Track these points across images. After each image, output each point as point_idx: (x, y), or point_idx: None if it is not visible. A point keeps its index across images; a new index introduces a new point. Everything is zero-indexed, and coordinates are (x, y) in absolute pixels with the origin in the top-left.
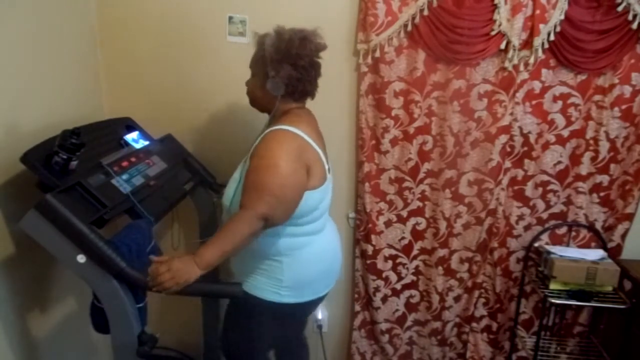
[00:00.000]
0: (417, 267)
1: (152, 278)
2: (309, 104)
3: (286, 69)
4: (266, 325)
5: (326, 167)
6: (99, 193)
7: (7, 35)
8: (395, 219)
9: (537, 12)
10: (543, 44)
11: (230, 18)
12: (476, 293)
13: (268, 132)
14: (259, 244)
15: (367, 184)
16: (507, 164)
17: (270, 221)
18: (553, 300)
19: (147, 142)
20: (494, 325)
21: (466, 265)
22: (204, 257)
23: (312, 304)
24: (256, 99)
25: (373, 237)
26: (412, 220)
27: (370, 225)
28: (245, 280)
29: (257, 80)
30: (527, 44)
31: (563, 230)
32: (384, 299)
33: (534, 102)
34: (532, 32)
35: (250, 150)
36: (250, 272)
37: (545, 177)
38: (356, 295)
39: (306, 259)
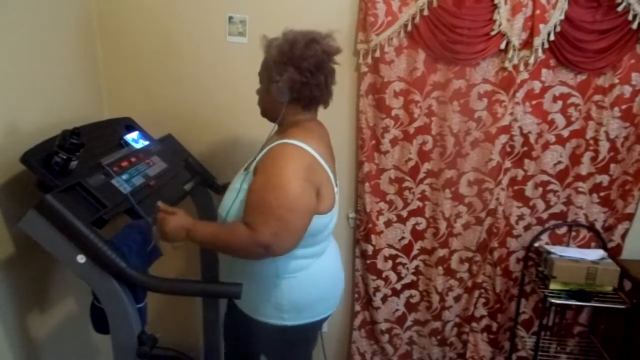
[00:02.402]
0: (417, 267)
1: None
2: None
3: (289, 72)
4: (273, 348)
5: (335, 189)
6: (98, 193)
7: (7, 35)
8: (395, 219)
9: (537, 12)
10: (543, 44)
11: (230, 18)
12: (476, 293)
13: (275, 146)
14: (257, 266)
15: (367, 184)
16: (507, 164)
17: (272, 250)
18: (553, 300)
19: (147, 142)
20: (494, 325)
21: (466, 265)
22: (195, 230)
23: (315, 325)
24: (265, 108)
25: (373, 237)
26: (412, 220)
27: (370, 225)
28: (247, 304)
29: (263, 87)
30: (527, 44)
31: (563, 230)
32: (384, 299)
33: (534, 102)
34: (532, 32)
35: (253, 159)
36: (251, 296)
37: (545, 177)
38: (356, 295)
39: (305, 282)
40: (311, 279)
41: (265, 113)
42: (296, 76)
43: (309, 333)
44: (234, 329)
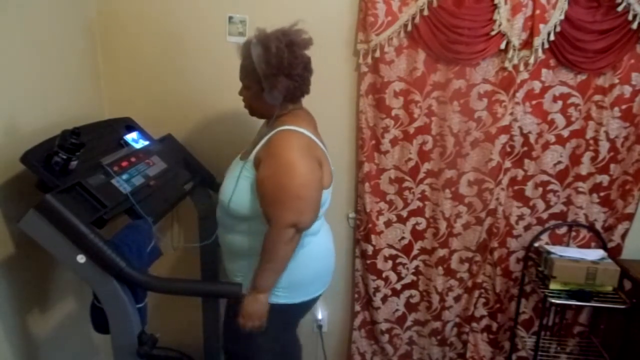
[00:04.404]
0: (417, 267)
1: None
2: (309, 104)
3: (282, 82)
4: (265, 327)
5: (332, 168)
6: (98, 193)
7: (7, 36)
8: (395, 219)
9: (537, 12)
10: (543, 44)
11: (230, 18)
12: (476, 293)
13: (274, 135)
14: (253, 244)
15: (367, 184)
16: (507, 164)
17: (299, 225)
18: (553, 300)
19: (147, 142)
20: (494, 325)
21: (466, 265)
22: (261, 286)
23: (307, 305)
24: (255, 110)
25: (373, 237)
26: (412, 220)
27: (370, 225)
28: (245, 283)
29: (252, 92)
30: (527, 44)
31: (563, 230)
32: (384, 299)
33: (534, 102)
34: (532, 32)
35: (252, 151)
36: (244, 273)
37: (545, 177)
38: (356, 295)
39: (301, 261)
40: (307, 258)
41: (255, 113)
42: (289, 83)
43: (299, 312)
44: (230, 309)
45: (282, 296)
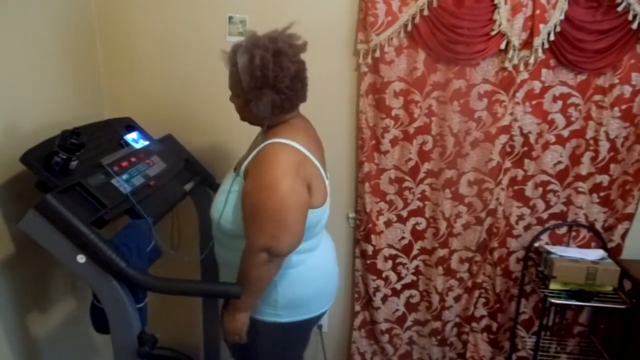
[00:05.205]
0: (417, 267)
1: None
2: (309, 104)
3: (267, 95)
4: (268, 346)
5: (326, 182)
6: (98, 193)
7: (7, 36)
8: (395, 219)
9: (537, 12)
10: (543, 44)
11: (230, 18)
12: (476, 293)
13: (263, 148)
14: None
15: (367, 184)
16: (507, 164)
17: (272, 250)
18: (553, 300)
19: (147, 142)
20: (494, 325)
21: (466, 265)
22: (238, 306)
23: (311, 322)
24: (245, 118)
25: (373, 237)
26: (412, 220)
27: (370, 225)
28: None
29: (240, 101)
30: (527, 44)
31: (563, 230)
32: (384, 299)
33: (534, 102)
34: (532, 32)
35: (243, 162)
36: None
37: (545, 177)
38: (356, 295)
39: (300, 278)
40: (305, 275)
41: (244, 120)
42: (275, 97)
43: (303, 330)
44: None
45: (284, 315)
